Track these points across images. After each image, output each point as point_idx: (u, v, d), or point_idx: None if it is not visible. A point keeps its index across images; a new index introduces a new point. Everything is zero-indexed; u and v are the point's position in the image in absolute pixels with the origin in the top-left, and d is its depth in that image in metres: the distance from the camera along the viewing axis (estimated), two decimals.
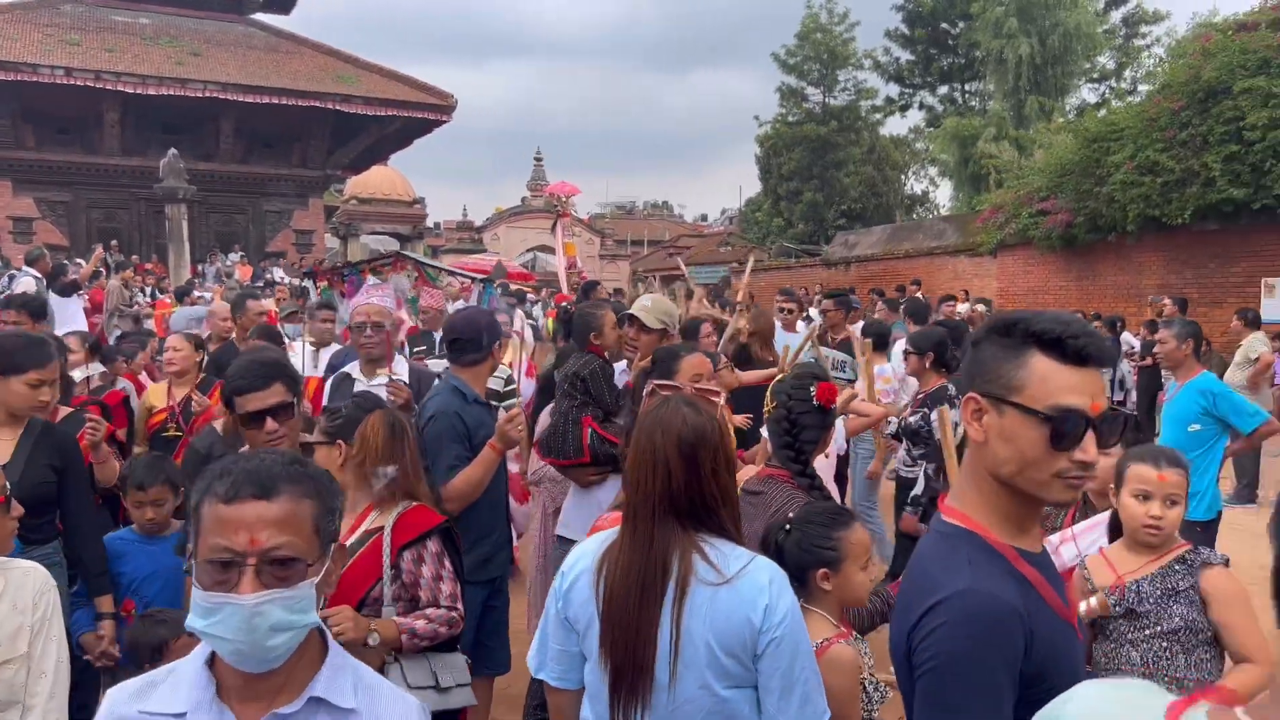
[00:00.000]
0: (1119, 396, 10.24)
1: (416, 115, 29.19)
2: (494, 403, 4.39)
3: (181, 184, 21.40)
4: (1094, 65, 33.60)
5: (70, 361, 4.47)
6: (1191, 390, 5.08)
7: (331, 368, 4.99)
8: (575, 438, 3.89)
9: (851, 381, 5.44)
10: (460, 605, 2.71)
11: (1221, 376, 6.98)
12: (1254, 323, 9.74)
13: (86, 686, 3.21)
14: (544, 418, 4.25)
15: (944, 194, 40.66)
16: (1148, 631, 2.58)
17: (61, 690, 2.18)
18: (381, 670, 2.42)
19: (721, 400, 3.17)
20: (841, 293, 8.78)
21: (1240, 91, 13.70)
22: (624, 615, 1.87)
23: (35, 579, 2.19)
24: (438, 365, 5.34)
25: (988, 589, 1.41)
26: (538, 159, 44.23)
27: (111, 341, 8.02)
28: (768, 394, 2.93)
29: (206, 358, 5.23)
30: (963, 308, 13.36)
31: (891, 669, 1.61)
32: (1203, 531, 4.64)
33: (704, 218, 65.00)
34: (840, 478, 5.52)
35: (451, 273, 11.22)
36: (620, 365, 4.33)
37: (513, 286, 14.85)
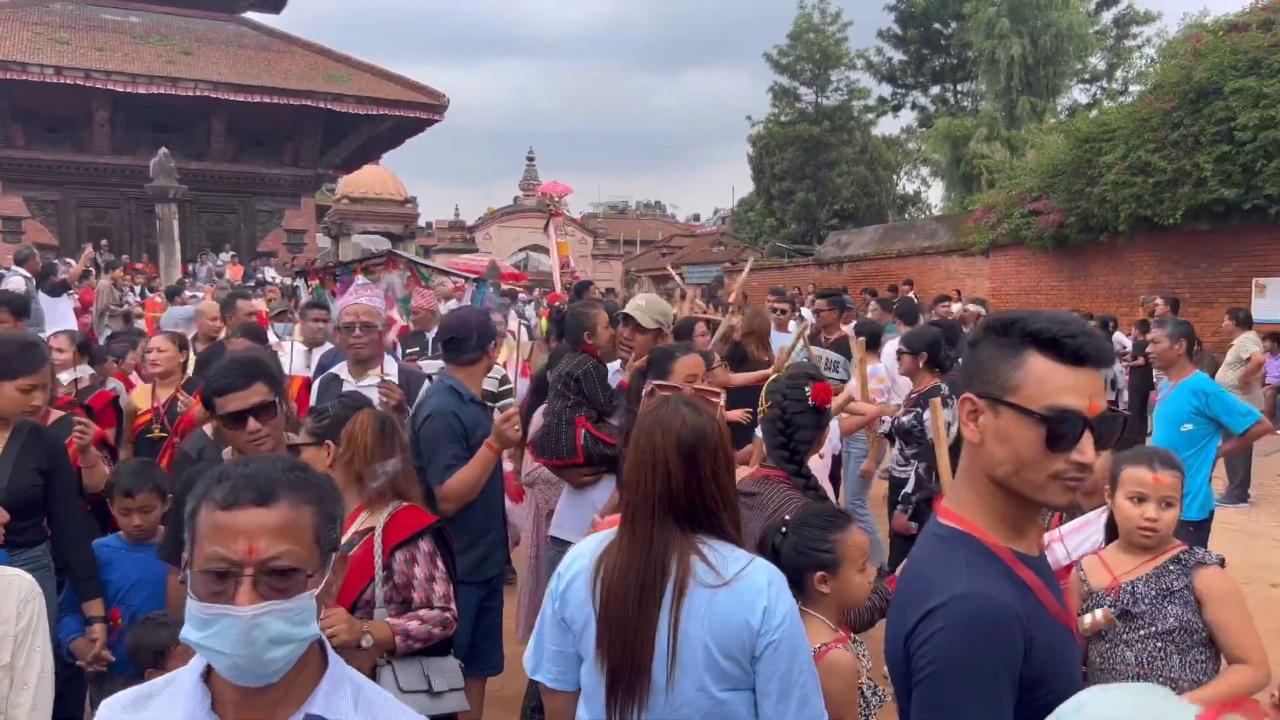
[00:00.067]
0: (1110, 396, 10.26)
1: (408, 114, 29.12)
2: (489, 404, 4.37)
3: (172, 183, 21.32)
4: (1085, 66, 33.72)
5: (59, 362, 4.42)
6: (1184, 390, 5.09)
7: (322, 368, 4.95)
8: (569, 438, 3.87)
9: (844, 381, 5.44)
10: (454, 606, 2.69)
11: (1213, 376, 6.99)
12: (1245, 323, 9.78)
13: (72, 698, 3.15)
14: (537, 418, 4.22)
15: (936, 194, 40.78)
16: (1142, 632, 2.57)
17: (45, 702, 2.13)
18: (372, 673, 2.40)
19: (721, 401, 3.16)
20: (835, 292, 8.78)
21: (1231, 92, 13.75)
22: (622, 616, 1.86)
23: (19, 587, 2.13)
24: (430, 366, 5.32)
25: (986, 592, 1.39)
26: (530, 158, 44.30)
27: (102, 341, 7.97)
28: (762, 394, 2.92)
29: (194, 358, 5.18)
30: (955, 308, 13.38)
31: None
32: (1195, 531, 4.65)
33: (697, 218, 65.04)
34: (833, 477, 5.52)
35: (444, 272, 11.19)
36: (614, 365, 4.31)
37: (504, 286, 14.81)
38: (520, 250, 37.19)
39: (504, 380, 5.70)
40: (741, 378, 5.01)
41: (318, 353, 5.70)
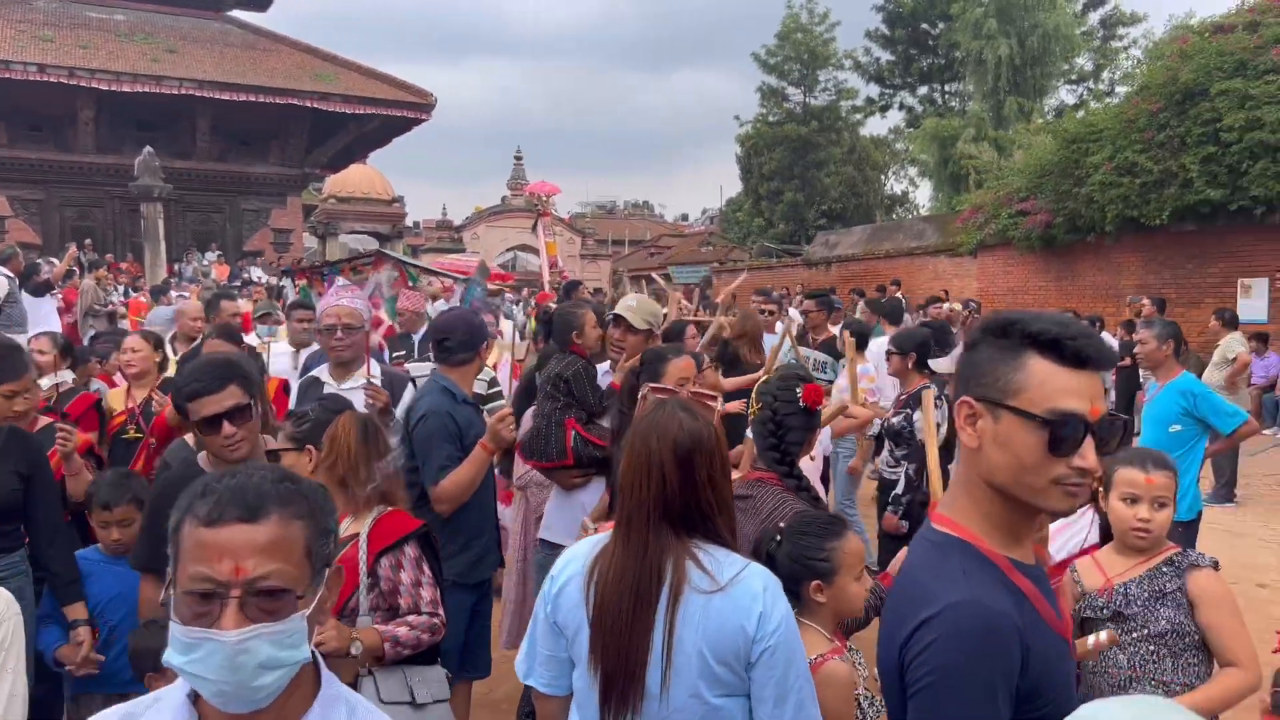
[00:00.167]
0: None
1: (395, 113, 29.02)
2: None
3: (157, 182, 21.18)
4: (1072, 66, 33.92)
5: (40, 364, 4.34)
6: (1172, 391, 5.10)
7: (308, 369, 4.89)
8: (558, 440, 3.84)
9: (831, 382, 5.42)
10: (442, 611, 2.65)
11: (1199, 376, 7.01)
12: (1231, 323, 9.83)
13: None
14: (526, 420, 4.18)
15: (924, 194, 40.87)
16: (1135, 635, 2.56)
17: None
18: (354, 684, 2.35)
19: (718, 404, 3.13)
20: (823, 293, 8.78)
21: (1217, 93, 13.83)
22: (616, 621, 1.83)
23: None
24: (418, 369, 5.27)
25: (982, 600, 1.36)
26: (517, 158, 44.04)
27: (85, 342, 7.89)
28: (752, 395, 2.89)
29: (177, 358, 5.11)
30: (945, 307, 13.42)
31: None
32: (1184, 531, 4.65)
33: (685, 217, 65.04)
34: (823, 478, 5.50)
35: (432, 273, 11.12)
36: (603, 366, 4.28)
37: (491, 287, 14.74)
38: (508, 250, 37.12)
39: (493, 382, 5.66)
40: (732, 382, 4.99)
41: (305, 354, 5.64)
